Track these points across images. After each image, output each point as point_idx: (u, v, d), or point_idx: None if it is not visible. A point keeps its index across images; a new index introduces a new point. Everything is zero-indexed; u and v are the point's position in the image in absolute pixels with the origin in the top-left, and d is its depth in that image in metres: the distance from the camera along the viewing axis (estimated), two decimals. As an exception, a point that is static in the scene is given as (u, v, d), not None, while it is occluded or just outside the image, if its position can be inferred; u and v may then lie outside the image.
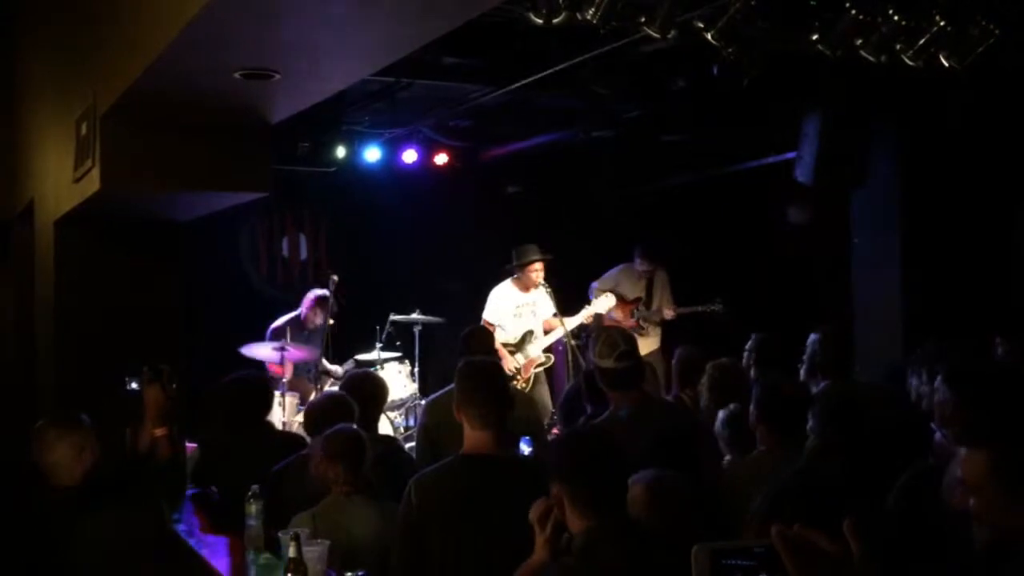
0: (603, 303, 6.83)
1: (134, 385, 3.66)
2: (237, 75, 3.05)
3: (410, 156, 8.10)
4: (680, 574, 1.26)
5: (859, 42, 4.78)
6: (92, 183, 3.88)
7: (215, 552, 3.37)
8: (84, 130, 3.93)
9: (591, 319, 6.72)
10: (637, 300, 7.43)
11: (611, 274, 7.56)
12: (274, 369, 6.65)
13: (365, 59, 3.03)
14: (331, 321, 6.73)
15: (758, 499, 2.82)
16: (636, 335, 7.25)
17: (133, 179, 3.84)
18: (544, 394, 6.65)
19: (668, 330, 7.47)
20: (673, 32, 4.45)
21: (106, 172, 3.75)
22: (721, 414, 3.78)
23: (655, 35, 4.41)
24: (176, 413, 3.66)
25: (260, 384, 4.45)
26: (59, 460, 3.24)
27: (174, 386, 3.63)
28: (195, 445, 4.51)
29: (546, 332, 6.74)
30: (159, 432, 3.55)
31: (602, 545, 2.21)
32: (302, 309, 7.00)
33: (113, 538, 3.19)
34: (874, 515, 2.66)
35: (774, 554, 1.08)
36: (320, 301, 6.94)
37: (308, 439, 4.06)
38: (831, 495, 2.42)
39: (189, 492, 3.98)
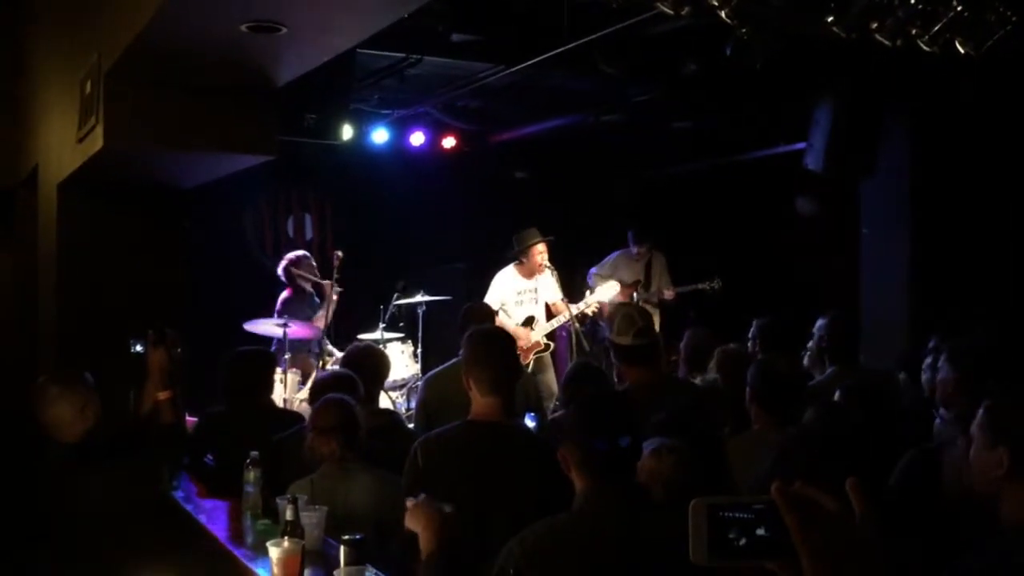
0: (607, 291, 6.79)
1: (139, 348, 3.64)
2: (244, 28, 3.00)
3: (418, 139, 8.07)
4: (676, 544, 1.22)
5: (874, 25, 4.72)
6: (95, 141, 3.85)
7: (212, 518, 3.34)
8: (88, 88, 3.90)
9: (594, 307, 6.66)
10: (636, 283, 7.40)
11: (609, 260, 7.54)
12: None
13: (373, 13, 2.97)
14: (335, 296, 6.70)
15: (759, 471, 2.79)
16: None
17: (137, 137, 3.80)
18: (550, 378, 6.61)
19: (668, 313, 7.44)
20: (686, 9, 4.39)
21: (109, 129, 3.71)
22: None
23: (668, 12, 4.35)
24: (180, 377, 3.64)
25: (263, 358, 4.42)
26: (60, 417, 3.21)
27: (179, 350, 3.62)
28: (195, 419, 4.49)
29: (551, 316, 6.69)
30: (163, 396, 3.53)
31: (595, 508, 2.17)
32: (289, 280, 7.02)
33: (110, 497, 3.17)
34: (876, 484, 2.63)
35: (773, 510, 1.05)
36: (293, 262, 6.93)
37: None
38: (838, 454, 2.40)
39: (185, 461, 3.95)
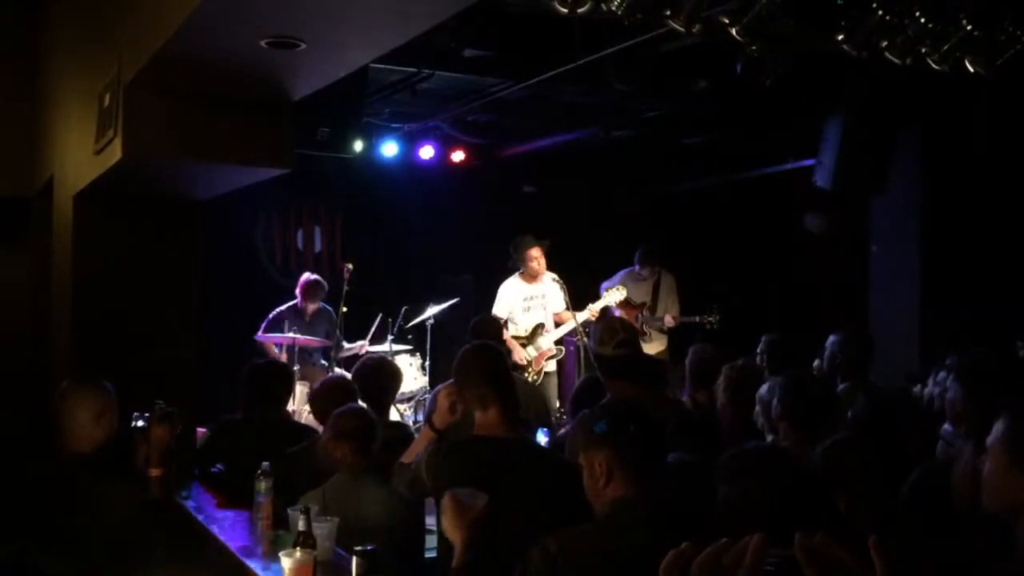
0: (613, 296, 6.80)
1: (140, 423, 3.59)
2: (263, 43, 3.05)
3: (427, 152, 8.12)
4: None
5: (884, 43, 4.74)
6: (114, 153, 3.88)
7: (223, 528, 3.35)
8: (108, 101, 3.94)
9: (597, 314, 6.63)
10: (642, 305, 7.34)
11: (617, 279, 7.49)
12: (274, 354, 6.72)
13: (390, 30, 3.01)
14: (344, 309, 6.74)
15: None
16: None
17: (155, 149, 3.83)
18: (552, 390, 6.61)
19: (674, 337, 7.38)
20: (698, 26, 4.41)
21: (128, 141, 3.75)
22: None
23: (680, 29, 4.37)
24: (178, 453, 3.63)
25: (281, 372, 4.44)
26: (78, 423, 3.20)
27: (178, 429, 3.62)
28: (204, 431, 4.51)
29: (557, 325, 6.70)
30: (155, 472, 3.52)
31: (626, 515, 2.17)
32: (297, 298, 7.04)
33: (122, 507, 3.18)
34: (889, 502, 2.64)
35: (793, 563, 1.06)
36: (308, 287, 6.96)
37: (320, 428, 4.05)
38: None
39: (197, 470, 3.97)
